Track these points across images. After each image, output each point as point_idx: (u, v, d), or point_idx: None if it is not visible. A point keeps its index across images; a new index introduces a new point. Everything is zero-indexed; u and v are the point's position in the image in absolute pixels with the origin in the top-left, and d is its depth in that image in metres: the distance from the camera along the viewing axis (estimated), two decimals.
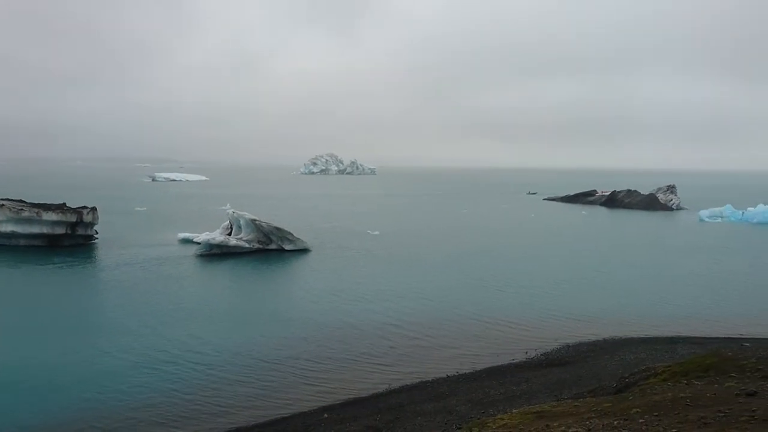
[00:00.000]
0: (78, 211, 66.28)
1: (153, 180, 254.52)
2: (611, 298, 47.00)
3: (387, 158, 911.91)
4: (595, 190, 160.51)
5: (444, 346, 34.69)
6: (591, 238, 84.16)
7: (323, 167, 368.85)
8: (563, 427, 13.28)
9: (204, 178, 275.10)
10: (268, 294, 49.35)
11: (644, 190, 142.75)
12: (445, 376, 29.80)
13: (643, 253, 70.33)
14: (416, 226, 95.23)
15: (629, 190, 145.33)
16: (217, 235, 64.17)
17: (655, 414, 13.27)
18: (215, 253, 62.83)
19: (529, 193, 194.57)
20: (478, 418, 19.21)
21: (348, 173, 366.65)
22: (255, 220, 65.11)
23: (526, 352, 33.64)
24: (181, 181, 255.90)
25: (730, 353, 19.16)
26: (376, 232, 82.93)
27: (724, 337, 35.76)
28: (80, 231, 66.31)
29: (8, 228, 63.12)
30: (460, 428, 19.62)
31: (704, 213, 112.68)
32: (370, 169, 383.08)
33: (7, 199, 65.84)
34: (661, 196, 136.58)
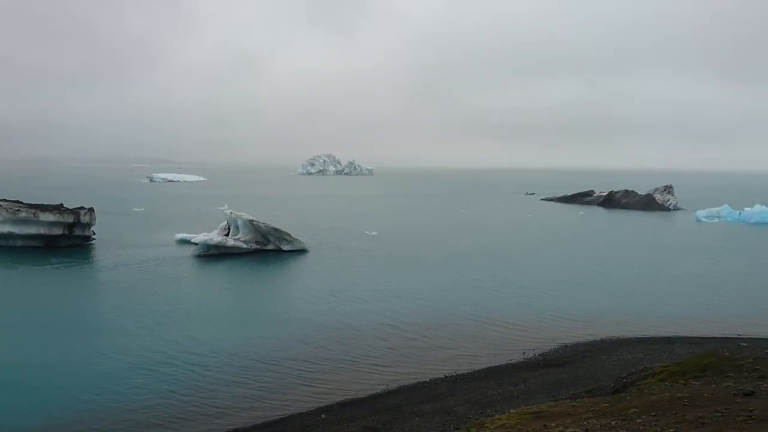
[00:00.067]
0: (75, 211, 66.15)
1: (151, 180, 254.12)
2: (609, 299, 47.05)
3: (386, 158, 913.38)
4: (592, 191, 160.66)
5: (442, 346, 34.68)
6: (588, 239, 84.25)
7: (321, 168, 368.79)
8: (561, 428, 13.28)
9: (202, 178, 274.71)
10: (265, 295, 49.30)
11: (643, 191, 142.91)
12: (442, 376, 29.79)
13: (640, 254, 70.43)
14: (414, 226, 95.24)
15: (626, 191, 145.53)
16: (214, 236, 64.08)
17: (653, 414, 13.28)
18: (213, 254, 62.75)
19: (527, 194, 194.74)
20: (476, 419, 19.21)
21: (346, 174, 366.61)
22: (253, 220, 65.04)
23: (524, 353, 33.66)
24: (178, 181, 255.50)
25: (727, 353, 19.19)
26: (374, 233, 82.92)
27: (722, 337, 35.81)
28: (77, 232, 66.17)
29: (5, 229, 62.94)
30: (458, 429, 19.61)
31: (701, 213, 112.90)
32: (367, 169, 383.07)
33: (4, 200, 65.65)
34: (658, 197, 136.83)
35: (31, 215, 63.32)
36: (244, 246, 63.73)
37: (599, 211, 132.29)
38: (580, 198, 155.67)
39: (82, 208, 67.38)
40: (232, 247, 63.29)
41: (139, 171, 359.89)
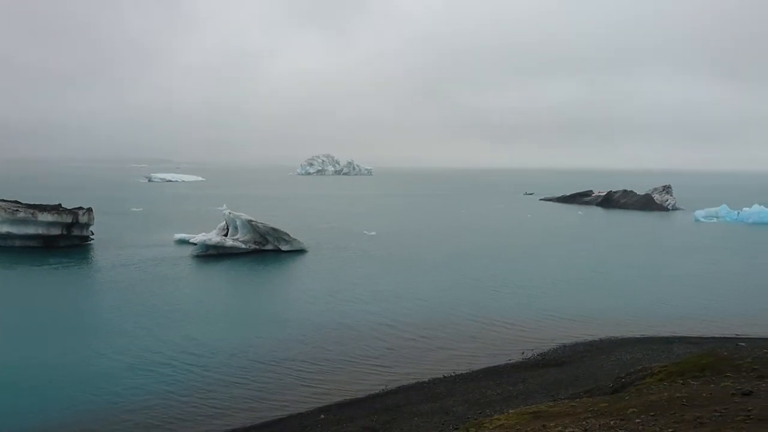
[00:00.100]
0: (74, 211, 66.07)
1: (149, 181, 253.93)
2: (607, 299, 47.09)
3: (386, 158, 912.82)
4: (591, 191, 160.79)
5: (440, 346, 34.68)
6: (587, 239, 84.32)
7: (320, 168, 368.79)
8: (560, 428, 13.28)
9: (200, 178, 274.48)
10: (264, 295, 49.28)
11: (642, 191, 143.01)
12: (441, 376, 29.78)
13: (638, 254, 70.50)
14: (413, 226, 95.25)
15: (625, 191, 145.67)
16: (213, 236, 64.04)
17: (652, 414, 13.28)
18: (211, 254, 62.70)
19: (526, 194, 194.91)
20: (475, 419, 19.21)
21: (344, 174, 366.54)
22: (251, 220, 65.00)
23: (523, 353, 33.67)
24: (177, 181, 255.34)
25: (725, 353, 19.20)
26: (373, 233, 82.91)
27: (720, 337, 35.85)
28: (76, 232, 66.09)
29: (3, 229, 62.84)
30: (456, 429, 19.61)
31: (700, 213, 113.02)
32: (366, 169, 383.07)
33: (2, 200, 65.53)
34: (656, 197, 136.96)
35: (30, 215, 63.24)
36: (243, 246, 63.69)
37: (598, 211, 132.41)
38: (579, 198, 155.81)
39: (80, 208, 67.30)
40: (231, 248, 63.25)
41: (137, 171, 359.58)
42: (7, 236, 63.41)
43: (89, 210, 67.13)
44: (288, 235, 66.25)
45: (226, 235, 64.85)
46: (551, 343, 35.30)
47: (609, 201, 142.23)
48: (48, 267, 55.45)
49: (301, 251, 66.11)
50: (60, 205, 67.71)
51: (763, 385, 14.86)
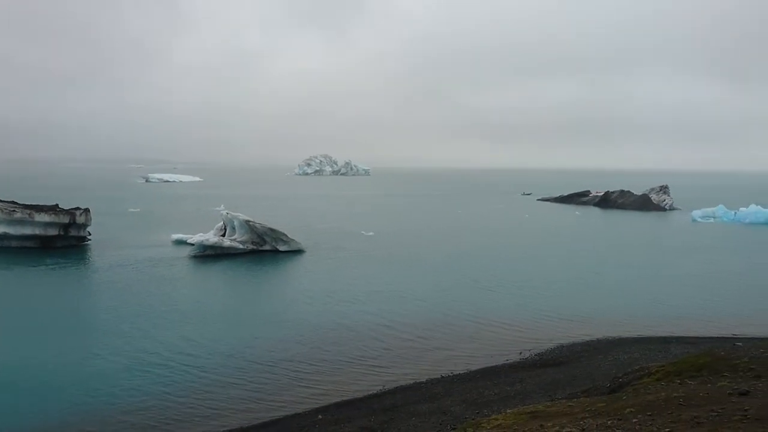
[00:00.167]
0: (71, 212, 65.93)
1: (146, 181, 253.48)
2: (605, 299, 47.15)
3: (386, 158, 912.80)
4: (588, 191, 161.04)
5: (438, 347, 34.68)
6: (584, 239, 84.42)
7: (317, 168, 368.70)
8: (557, 427, 13.28)
9: (197, 179, 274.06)
10: (261, 295, 49.23)
11: (640, 191, 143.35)
12: (439, 377, 29.78)
13: (635, 254, 70.61)
14: (411, 226, 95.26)
15: (622, 191, 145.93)
16: (210, 236, 63.95)
17: (649, 413, 13.29)
18: (209, 255, 62.62)
19: (524, 194, 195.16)
20: (473, 419, 19.21)
21: (342, 174, 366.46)
22: (249, 221, 64.93)
23: (520, 353, 33.69)
24: (174, 182, 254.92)
25: (722, 353, 19.21)
26: (371, 233, 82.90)
27: (717, 337, 35.94)
28: (73, 232, 65.95)
29: (0, 229, 62.67)
30: (454, 429, 19.61)
31: (697, 213, 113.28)
32: (364, 170, 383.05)
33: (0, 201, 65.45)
34: (654, 197, 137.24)
35: (27, 216, 63.09)
36: (241, 246, 63.62)
37: (595, 212, 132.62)
38: (576, 198, 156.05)
39: (77, 208, 67.16)
40: (229, 248, 63.17)
41: (135, 171, 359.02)
42: (4, 237, 63.25)
43: (86, 210, 67.01)
44: (286, 235, 66.21)
45: (223, 235, 64.76)
46: (549, 344, 35.33)
47: (606, 201, 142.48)
48: (45, 267, 55.31)
49: (298, 251, 66.06)
50: (57, 205, 67.59)
51: (760, 384, 14.88)
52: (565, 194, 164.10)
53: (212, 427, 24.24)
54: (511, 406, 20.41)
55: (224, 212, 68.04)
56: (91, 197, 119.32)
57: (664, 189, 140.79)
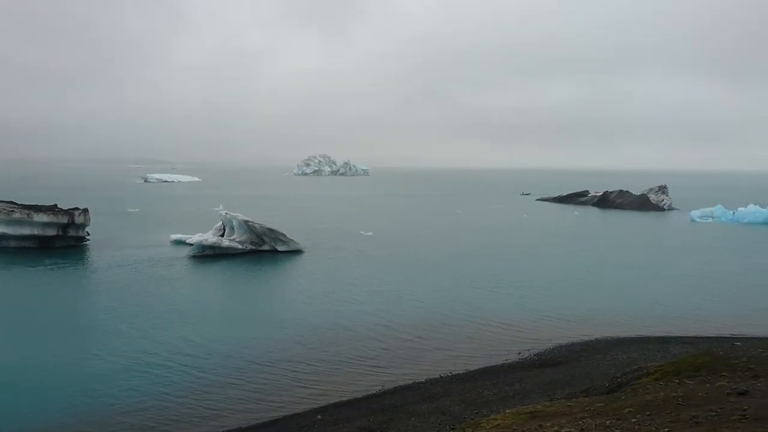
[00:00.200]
0: (69, 212, 65.86)
1: (145, 181, 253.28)
2: (603, 299, 47.17)
3: (386, 158, 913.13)
4: (587, 191, 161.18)
5: (437, 347, 34.68)
6: (583, 239, 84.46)
7: (316, 168, 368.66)
8: (556, 427, 13.29)
9: (196, 179, 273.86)
10: (260, 296, 49.20)
11: (639, 191, 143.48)
12: (438, 377, 29.79)
13: (634, 254, 70.65)
14: (410, 226, 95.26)
15: (621, 191, 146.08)
16: (209, 237, 63.91)
17: (648, 413, 13.30)
18: (208, 255, 62.58)
19: (523, 194, 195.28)
20: (472, 419, 19.20)
21: (341, 174, 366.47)
22: (248, 221, 64.90)
23: (519, 353, 33.70)
24: (173, 182, 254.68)
25: (721, 352, 19.23)
26: (370, 233, 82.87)
27: (716, 337, 35.97)
28: (72, 232, 65.87)
29: None
30: (453, 429, 19.62)
31: (695, 213, 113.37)
32: (363, 170, 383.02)
33: None
34: (652, 197, 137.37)
35: (25, 216, 63.01)
36: (240, 247, 63.58)
37: (594, 212, 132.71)
38: (575, 198, 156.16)
39: (76, 208, 67.09)
40: (228, 248, 63.14)
41: (134, 171, 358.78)
42: (3, 237, 63.17)
43: (85, 210, 66.94)
44: (285, 235, 66.18)
45: (222, 235, 64.72)
46: (548, 344, 35.35)
47: (605, 201, 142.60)
48: (43, 268, 55.25)
49: (297, 252, 66.04)
50: (56, 205, 67.52)
51: (759, 384, 14.89)
52: (564, 194, 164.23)
53: (211, 428, 24.23)
54: (510, 406, 20.42)
55: (223, 212, 68.01)
56: (90, 197, 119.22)
57: (662, 189, 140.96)
